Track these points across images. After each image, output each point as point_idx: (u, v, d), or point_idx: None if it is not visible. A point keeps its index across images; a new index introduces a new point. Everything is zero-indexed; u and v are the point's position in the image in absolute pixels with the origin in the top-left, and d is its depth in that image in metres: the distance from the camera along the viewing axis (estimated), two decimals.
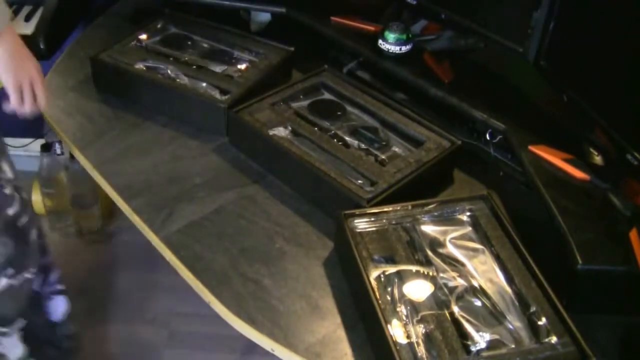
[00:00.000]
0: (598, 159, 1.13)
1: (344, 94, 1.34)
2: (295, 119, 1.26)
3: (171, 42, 1.47)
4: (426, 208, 1.06)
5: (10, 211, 1.07)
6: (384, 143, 1.23)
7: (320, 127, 1.25)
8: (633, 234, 0.97)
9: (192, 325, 1.84)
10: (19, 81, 1.06)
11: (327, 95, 1.36)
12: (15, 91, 1.06)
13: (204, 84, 1.34)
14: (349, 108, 1.32)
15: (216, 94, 1.32)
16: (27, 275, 1.15)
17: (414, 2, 1.38)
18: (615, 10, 1.01)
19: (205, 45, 1.48)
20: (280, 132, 1.22)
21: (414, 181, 1.14)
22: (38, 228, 1.19)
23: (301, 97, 1.33)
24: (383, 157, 1.19)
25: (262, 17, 1.65)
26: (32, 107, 1.09)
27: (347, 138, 1.23)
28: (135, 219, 1.13)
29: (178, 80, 1.34)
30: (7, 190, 1.05)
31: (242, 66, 1.41)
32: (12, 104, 1.07)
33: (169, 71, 1.36)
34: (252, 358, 1.77)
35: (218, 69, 1.40)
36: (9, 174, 1.06)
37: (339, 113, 1.30)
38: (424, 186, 1.17)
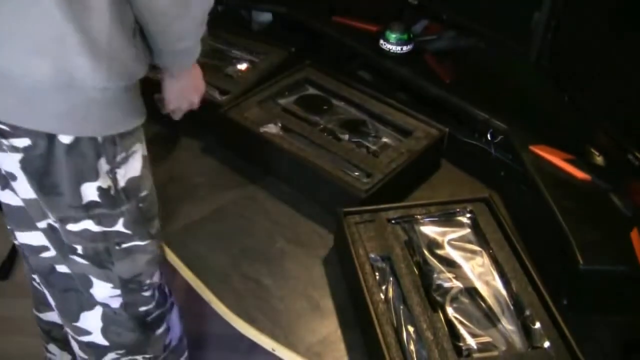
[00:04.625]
0: (599, 160, 1.13)
1: (328, 88, 1.34)
2: (284, 115, 1.26)
3: None
4: (426, 209, 1.05)
5: (143, 308, 1.09)
6: (373, 135, 1.23)
7: (310, 122, 1.25)
8: (634, 234, 0.97)
9: (193, 324, 1.84)
10: (179, 106, 1.15)
11: (312, 90, 1.36)
12: (170, 111, 1.15)
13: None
14: (335, 102, 1.32)
15: (216, 94, 1.31)
16: (138, 357, 1.15)
17: (415, 2, 1.38)
18: (617, 10, 1.01)
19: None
20: (271, 129, 1.22)
21: (408, 170, 1.15)
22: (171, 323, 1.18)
23: (286, 93, 1.34)
24: (375, 148, 1.20)
25: (263, 17, 1.65)
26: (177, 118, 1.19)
27: (337, 131, 1.23)
28: None
29: None
30: (147, 293, 1.08)
31: (242, 66, 1.41)
32: (161, 110, 1.15)
33: None
34: (253, 357, 1.77)
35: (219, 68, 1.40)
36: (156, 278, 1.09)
37: (325, 107, 1.30)
38: (416, 174, 1.20)
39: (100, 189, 0.91)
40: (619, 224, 1.00)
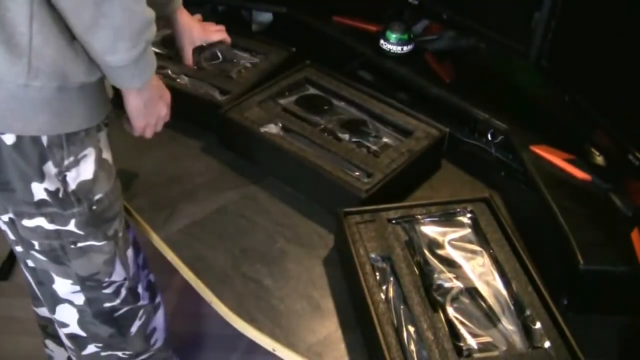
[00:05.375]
0: (599, 159, 1.13)
1: (328, 87, 1.34)
2: (285, 115, 1.26)
3: (167, 43, 1.46)
4: (426, 208, 1.06)
5: (107, 305, 1.10)
6: (374, 135, 1.24)
7: (310, 122, 1.25)
8: (634, 234, 0.97)
9: (194, 324, 1.84)
10: (147, 123, 1.06)
11: (312, 90, 1.36)
12: (139, 131, 1.07)
13: (204, 84, 1.34)
14: (335, 102, 1.32)
15: (216, 94, 1.31)
16: (119, 354, 1.18)
17: (415, 2, 1.38)
18: (617, 10, 1.01)
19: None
20: (272, 129, 1.22)
21: (408, 170, 1.15)
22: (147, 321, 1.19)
23: (287, 93, 1.33)
24: (375, 148, 1.20)
25: (264, 17, 1.65)
26: (143, 135, 1.10)
27: (337, 131, 1.23)
28: (137, 219, 1.13)
29: (178, 80, 1.34)
30: (108, 290, 1.09)
31: (243, 66, 1.41)
32: (134, 133, 1.08)
33: (169, 71, 1.36)
34: (253, 358, 1.77)
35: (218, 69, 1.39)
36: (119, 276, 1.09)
37: (326, 107, 1.30)
38: (417, 174, 1.20)
39: (47, 190, 0.92)
40: (619, 224, 1.00)
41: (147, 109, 1.03)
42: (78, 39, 0.85)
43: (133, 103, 1.00)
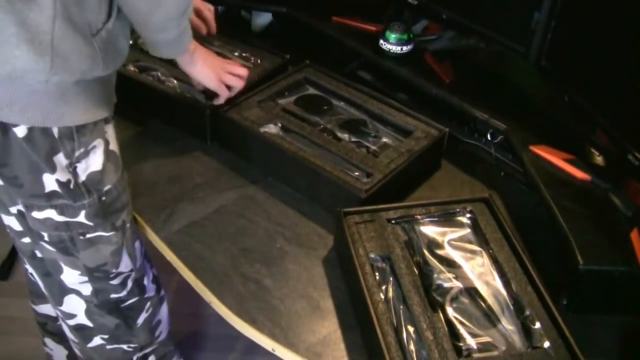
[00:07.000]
0: (599, 159, 1.13)
1: (328, 88, 1.34)
2: (284, 116, 1.26)
3: None
4: (426, 209, 1.06)
5: (114, 296, 1.11)
6: (373, 135, 1.23)
7: (310, 122, 1.25)
8: (634, 234, 0.97)
9: (192, 325, 1.84)
10: (219, 79, 1.20)
11: (311, 90, 1.36)
12: (219, 88, 1.21)
13: (192, 88, 1.30)
14: (335, 102, 1.32)
15: (202, 99, 1.28)
16: (124, 347, 1.19)
17: (415, 2, 1.38)
18: (617, 10, 1.01)
19: None
20: (271, 129, 1.22)
21: (408, 170, 1.15)
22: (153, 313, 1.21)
23: (286, 93, 1.33)
24: (375, 148, 1.20)
25: (263, 17, 1.65)
26: (237, 88, 1.25)
27: (337, 131, 1.23)
28: (136, 219, 1.13)
29: (167, 83, 1.32)
30: (115, 281, 1.10)
31: None
32: (223, 99, 1.24)
33: (159, 74, 1.34)
34: (253, 358, 1.77)
35: None
36: (126, 267, 1.10)
37: (325, 107, 1.30)
38: (416, 174, 1.20)
39: (58, 182, 0.94)
40: (619, 224, 1.00)
41: (208, 65, 1.16)
42: (134, 25, 0.96)
43: (195, 69, 1.15)
